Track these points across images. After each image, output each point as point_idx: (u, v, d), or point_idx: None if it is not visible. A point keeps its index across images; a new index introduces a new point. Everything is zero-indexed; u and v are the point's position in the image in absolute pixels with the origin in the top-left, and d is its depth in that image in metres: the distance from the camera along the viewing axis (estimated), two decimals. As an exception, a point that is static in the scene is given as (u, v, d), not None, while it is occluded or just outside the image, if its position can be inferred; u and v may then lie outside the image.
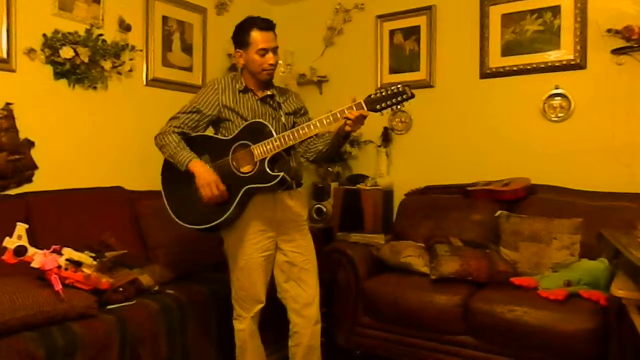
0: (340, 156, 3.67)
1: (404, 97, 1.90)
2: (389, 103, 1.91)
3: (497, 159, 3.25)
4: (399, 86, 1.92)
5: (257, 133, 2.04)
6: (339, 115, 1.95)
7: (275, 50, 2.12)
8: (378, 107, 1.93)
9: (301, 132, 1.99)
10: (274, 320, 2.29)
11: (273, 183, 2.00)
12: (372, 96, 1.93)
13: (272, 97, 2.19)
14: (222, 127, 2.17)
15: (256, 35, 2.07)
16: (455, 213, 3.06)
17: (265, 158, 2.01)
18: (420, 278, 2.69)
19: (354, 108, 1.93)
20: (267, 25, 2.10)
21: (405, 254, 2.82)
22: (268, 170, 2.01)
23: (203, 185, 2.02)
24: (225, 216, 2.04)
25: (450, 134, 3.46)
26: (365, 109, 1.93)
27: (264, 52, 2.08)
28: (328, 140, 2.15)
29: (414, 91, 1.92)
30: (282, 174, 2.00)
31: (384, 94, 1.92)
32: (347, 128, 1.98)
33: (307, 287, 2.20)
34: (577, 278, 2.38)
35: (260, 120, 2.08)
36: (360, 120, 1.95)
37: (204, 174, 2.02)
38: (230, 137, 2.10)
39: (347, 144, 3.16)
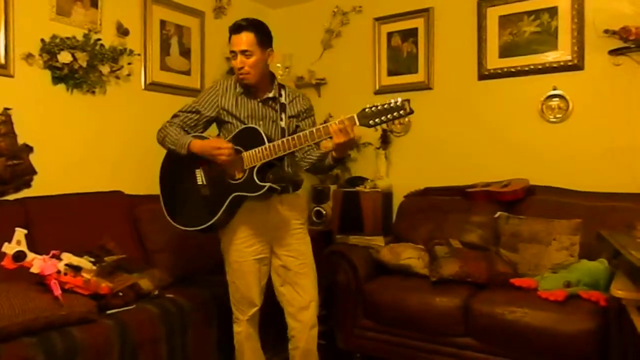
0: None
1: (401, 112, 1.78)
2: (383, 118, 1.79)
3: (496, 160, 3.26)
4: (398, 100, 1.78)
5: (249, 139, 2.02)
6: (330, 129, 1.86)
7: (243, 53, 2.02)
8: (371, 122, 1.81)
9: (291, 142, 1.94)
10: (276, 323, 2.29)
11: (259, 193, 1.99)
12: (367, 109, 1.82)
13: (273, 99, 2.17)
14: (223, 128, 2.20)
15: (230, 39, 2.07)
16: (455, 214, 3.07)
17: (255, 166, 1.99)
18: (420, 280, 2.69)
19: (345, 122, 1.84)
20: (234, 27, 2.05)
21: (404, 255, 2.82)
22: (256, 179, 1.98)
23: (210, 155, 2.02)
24: (212, 221, 2.06)
25: (448, 135, 3.46)
26: (357, 123, 1.83)
27: (232, 54, 2.07)
28: (322, 155, 2.13)
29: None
30: (268, 184, 1.97)
31: (379, 107, 1.80)
32: (334, 153, 1.99)
33: (303, 291, 2.19)
34: (577, 279, 2.38)
35: (254, 126, 2.06)
36: (349, 142, 1.86)
37: (204, 146, 2.03)
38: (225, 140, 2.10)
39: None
